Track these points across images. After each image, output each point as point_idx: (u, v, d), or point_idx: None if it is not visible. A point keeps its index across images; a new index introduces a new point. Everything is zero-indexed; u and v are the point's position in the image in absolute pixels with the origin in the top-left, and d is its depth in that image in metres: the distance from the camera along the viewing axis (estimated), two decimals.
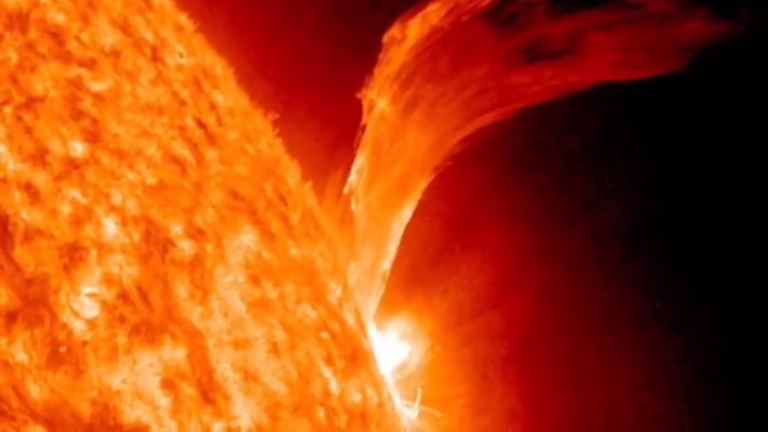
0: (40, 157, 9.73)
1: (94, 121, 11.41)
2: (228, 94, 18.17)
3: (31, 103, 10.36)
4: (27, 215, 8.88)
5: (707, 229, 25.93)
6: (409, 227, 27.63)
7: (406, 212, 27.52)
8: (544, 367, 28.60)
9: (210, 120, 15.66)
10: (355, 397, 14.78)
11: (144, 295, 9.76)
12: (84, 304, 8.80)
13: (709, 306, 26.39)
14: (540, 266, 28.00)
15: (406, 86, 26.71)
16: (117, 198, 10.58)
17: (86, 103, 11.56)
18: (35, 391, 7.61)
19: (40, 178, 9.49)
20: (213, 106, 16.43)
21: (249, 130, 17.95)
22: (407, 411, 24.33)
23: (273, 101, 21.23)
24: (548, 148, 27.94)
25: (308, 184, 20.18)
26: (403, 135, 26.99)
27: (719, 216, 25.67)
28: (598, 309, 28.05)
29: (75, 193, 9.86)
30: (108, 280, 9.36)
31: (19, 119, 9.91)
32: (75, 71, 11.89)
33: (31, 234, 8.71)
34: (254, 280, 12.99)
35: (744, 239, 25.50)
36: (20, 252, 8.42)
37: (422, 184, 27.42)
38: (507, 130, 26.70)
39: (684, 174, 25.93)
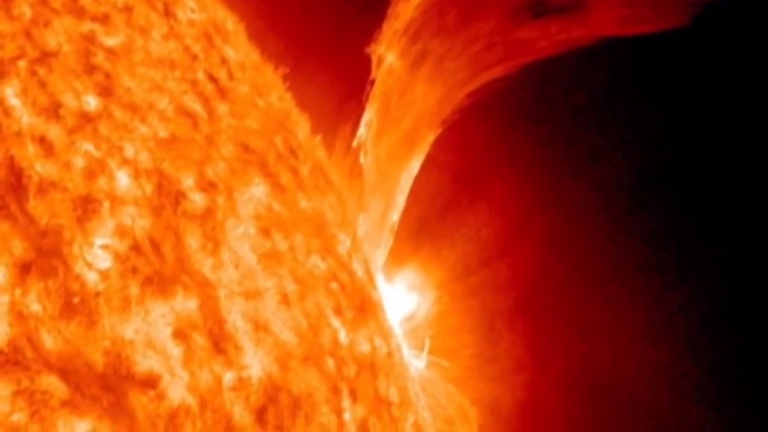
0: (53, 110, 9.80)
1: (107, 75, 11.49)
2: (239, 48, 18.11)
3: (45, 57, 10.46)
4: (41, 168, 8.93)
5: (710, 181, 25.97)
6: (417, 179, 27.72)
7: (415, 165, 27.58)
8: (550, 317, 28.79)
9: (222, 74, 15.66)
10: (364, 347, 14.82)
11: (156, 247, 9.85)
12: (97, 256, 8.85)
13: (713, 256, 26.51)
14: (546, 218, 28.11)
15: (415, 41, 26.68)
16: (130, 151, 10.63)
17: (99, 58, 11.64)
18: (49, 341, 7.68)
19: (54, 132, 9.56)
20: (224, 61, 16.42)
21: (260, 85, 17.91)
22: (415, 361, 24.55)
23: (284, 55, 21.15)
24: (554, 102, 27.96)
25: (318, 138, 20.10)
26: (411, 89, 26.98)
27: (723, 167, 25.72)
28: (603, 259, 28.18)
29: (88, 146, 9.91)
30: (121, 232, 9.39)
31: (33, 73, 10.02)
32: (88, 26, 11.97)
33: (44, 186, 8.75)
34: (265, 232, 13.02)
35: (746, 190, 25.57)
36: (34, 204, 8.49)
37: (430, 137, 27.47)
38: (514, 83, 26.73)
39: (688, 126, 25.94)
